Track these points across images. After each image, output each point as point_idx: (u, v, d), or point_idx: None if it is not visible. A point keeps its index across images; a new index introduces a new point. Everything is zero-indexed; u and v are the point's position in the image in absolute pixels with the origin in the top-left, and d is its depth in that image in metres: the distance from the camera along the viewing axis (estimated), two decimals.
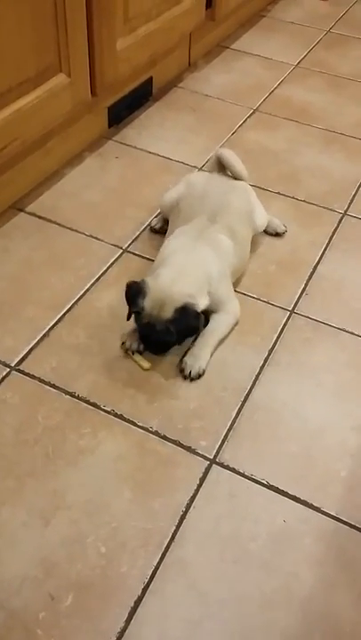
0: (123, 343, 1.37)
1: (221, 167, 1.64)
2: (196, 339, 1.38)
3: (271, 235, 1.68)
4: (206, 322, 1.39)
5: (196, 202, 1.51)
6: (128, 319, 1.34)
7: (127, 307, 1.32)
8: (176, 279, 1.31)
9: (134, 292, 1.30)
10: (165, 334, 1.29)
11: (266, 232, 1.67)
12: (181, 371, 1.34)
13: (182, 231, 1.45)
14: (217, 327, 1.40)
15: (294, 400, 1.32)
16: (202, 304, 1.32)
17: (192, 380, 1.33)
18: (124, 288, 1.33)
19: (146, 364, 1.35)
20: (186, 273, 1.33)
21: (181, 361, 1.35)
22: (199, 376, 1.33)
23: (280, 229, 1.68)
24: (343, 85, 2.37)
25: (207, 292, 1.35)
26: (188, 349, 1.37)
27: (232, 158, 1.63)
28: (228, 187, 1.56)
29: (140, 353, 1.36)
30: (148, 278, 1.32)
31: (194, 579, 1.05)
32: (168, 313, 1.27)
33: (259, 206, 1.62)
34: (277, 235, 1.68)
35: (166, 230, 1.57)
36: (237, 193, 1.55)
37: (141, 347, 1.36)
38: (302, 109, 2.22)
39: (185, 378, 1.33)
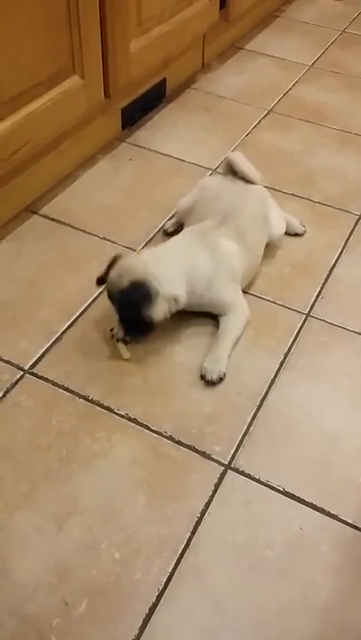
0: (111, 329, 1.38)
1: (233, 171, 1.61)
2: (213, 344, 1.38)
3: (290, 235, 1.66)
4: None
5: (208, 204, 1.50)
6: (97, 283, 1.39)
7: None
8: (152, 261, 1.33)
9: (112, 262, 1.35)
10: (122, 306, 1.31)
11: (286, 233, 1.65)
12: (202, 377, 1.33)
13: (187, 231, 1.46)
14: (229, 328, 1.40)
15: (310, 404, 1.30)
16: (168, 291, 1.30)
17: (214, 384, 1.32)
18: None
19: (126, 354, 1.35)
20: (165, 260, 1.34)
21: (202, 367, 1.34)
22: (220, 379, 1.32)
23: (299, 230, 1.67)
24: (358, 85, 2.35)
25: (186, 287, 1.34)
26: (207, 355, 1.36)
27: (241, 162, 1.58)
28: (243, 190, 1.54)
29: (126, 343, 1.37)
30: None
31: (209, 586, 1.03)
32: (124, 283, 1.29)
33: (276, 211, 1.60)
34: (296, 235, 1.67)
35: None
36: (252, 197, 1.53)
37: (128, 337, 1.37)
38: (317, 110, 2.20)
39: (207, 383, 1.32)
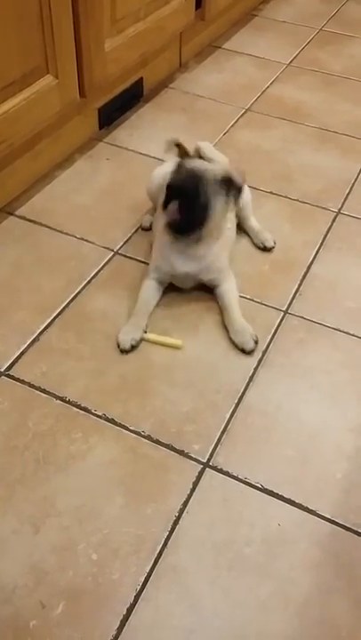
0: (118, 344, 1.37)
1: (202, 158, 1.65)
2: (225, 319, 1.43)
3: (259, 248, 1.63)
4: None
5: None
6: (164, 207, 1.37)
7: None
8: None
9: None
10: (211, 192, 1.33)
11: (254, 244, 1.64)
12: (242, 350, 1.38)
13: None
14: (232, 298, 1.44)
15: (289, 402, 1.30)
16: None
17: (253, 350, 1.37)
18: (114, 291, 1.32)
19: (179, 342, 1.38)
20: None
21: (235, 343, 1.38)
22: (256, 342, 1.38)
23: (268, 244, 1.63)
24: (336, 83, 2.36)
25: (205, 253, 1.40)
26: (228, 332, 1.40)
27: (209, 149, 1.64)
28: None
29: (134, 347, 1.36)
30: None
31: (187, 585, 1.03)
32: (218, 171, 1.36)
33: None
34: (265, 249, 1.63)
35: None
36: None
37: (140, 336, 1.37)
38: (295, 108, 2.21)
39: (248, 352, 1.37)
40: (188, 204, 1.33)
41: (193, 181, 1.33)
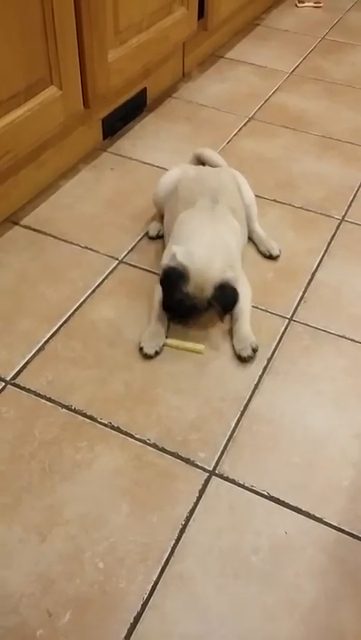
0: (141, 349, 1.38)
1: (202, 163, 1.72)
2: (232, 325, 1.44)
3: (265, 256, 1.64)
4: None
5: (193, 185, 1.54)
6: (165, 307, 1.40)
7: (164, 297, 1.39)
8: (210, 257, 1.35)
9: (175, 279, 1.34)
10: (206, 309, 1.38)
11: (260, 252, 1.65)
12: (238, 357, 1.38)
13: (193, 214, 1.47)
14: (243, 305, 1.44)
15: (294, 409, 1.30)
16: (231, 276, 1.37)
17: (251, 358, 1.37)
18: (119, 299, 1.31)
19: (200, 346, 1.40)
20: (216, 251, 1.37)
21: (234, 350, 1.39)
22: (255, 351, 1.38)
23: (274, 252, 1.63)
24: (339, 92, 2.37)
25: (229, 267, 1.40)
26: (232, 338, 1.41)
27: (210, 152, 1.71)
28: (217, 171, 1.63)
29: (158, 353, 1.37)
30: (182, 259, 1.34)
31: (194, 594, 1.03)
32: (208, 292, 1.34)
33: (244, 181, 1.65)
34: (271, 257, 1.63)
35: (162, 236, 1.59)
36: (226, 175, 1.62)
37: (163, 341, 1.39)
38: (298, 117, 2.22)
39: (245, 360, 1.37)
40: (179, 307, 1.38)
41: (184, 301, 1.36)
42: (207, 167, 1.67)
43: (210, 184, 1.53)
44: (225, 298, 1.35)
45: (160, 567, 1.05)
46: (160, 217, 1.67)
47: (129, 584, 1.03)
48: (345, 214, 1.79)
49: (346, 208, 1.81)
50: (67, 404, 1.28)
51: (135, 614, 1.00)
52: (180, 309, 1.39)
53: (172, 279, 1.34)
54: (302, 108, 2.26)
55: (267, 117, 2.21)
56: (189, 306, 1.37)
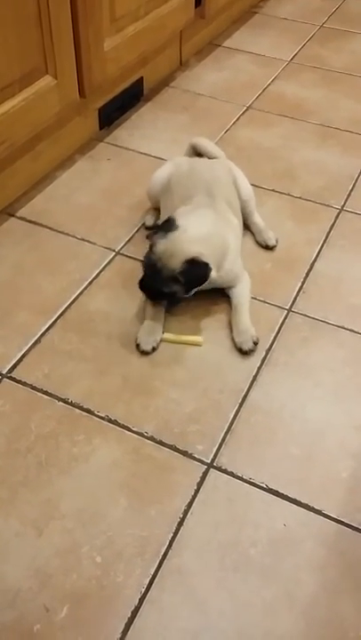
0: (138, 345, 1.36)
1: (197, 153, 1.68)
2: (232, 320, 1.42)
3: (261, 246, 1.62)
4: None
5: (187, 180, 1.52)
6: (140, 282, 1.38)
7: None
8: (196, 234, 1.33)
9: (159, 229, 1.35)
10: (169, 284, 1.32)
11: (257, 242, 1.63)
12: (239, 350, 1.36)
13: (191, 210, 1.43)
14: (243, 298, 1.44)
15: (293, 401, 1.29)
16: (214, 272, 1.34)
17: (252, 351, 1.36)
18: (116, 291, 1.32)
19: (199, 338, 1.38)
20: (208, 239, 1.35)
21: (235, 343, 1.37)
22: (255, 344, 1.36)
23: (270, 242, 1.61)
24: (337, 80, 2.34)
25: (220, 266, 1.37)
26: (232, 332, 1.39)
27: (205, 142, 1.68)
28: (211, 163, 1.60)
29: (155, 349, 1.35)
30: (174, 219, 1.34)
31: (192, 587, 1.02)
32: (177, 264, 1.30)
33: (240, 175, 1.62)
34: (267, 248, 1.62)
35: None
36: (221, 168, 1.59)
37: (160, 337, 1.37)
38: (297, 105, 2.19)
39: (245, 353, 1.36)
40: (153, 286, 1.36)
41: (152, 273, 1.34)
42: (201, 159, 1.63)
43: (203, 177, 1.51)
44: (191, 273, 1.30)
45: (158, 561, 1.05)
46: (155, 210, 1.65)
47: (126, 578, 1.02)
48: (344, 204, 1.77)
49: (345, 197, 1.80)
50: (63, 397, 1.27)
51: (133, 608, 0.99)
52: (150, 279, 1.35)
53: (158, 228, 1.35)
54: (301, 97, 2.24)
55: (265, 106, 2.18)
56: (156, 274, 1.32)
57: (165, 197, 1.55)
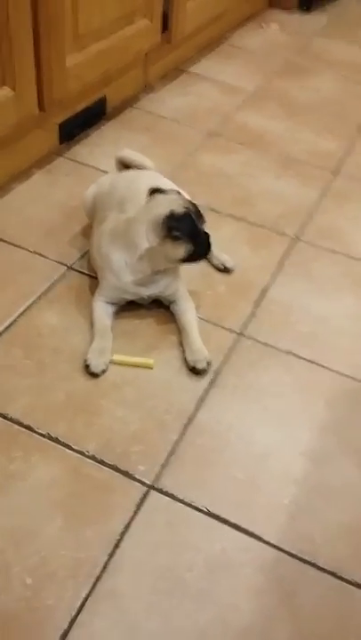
0: (87, 367, 1.32)
1: (126, 166, 1.66)
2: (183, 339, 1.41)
3: (219, 269, 1.62)
4: None
5: (106, 198, 1.52)
6: None
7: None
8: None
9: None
10: None
11: (213, 265, 1.63)
12: (193, 369, 1.35)
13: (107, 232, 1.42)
14: (191, 317, 1.44)
15: (239, 424, 1.28)
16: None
17: (205, 371, 1.35)
18: (66, 306, 1.30)
19: (150, 361, 1.36)
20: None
21: (187, 362, 1.36)
22: (209, 364, 1.36)
23: (229, 264, 1.62)
24: (299, 113, 2.38)
25: None
26: (184, 352, 1.38)
27: (131, 154, 1.66)
28: (135, 175, 1.57)
29: (104, 371, 1.32)
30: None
31: (124, 611, 0.99)
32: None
33: (167, 183, 1.56)
34: (225, 270, 1.62)
35: None
36: (145, 178, 1.54)
37: (109, 358, 1.34)
38: (258, 135, 2.22)
39: (199, 372, 1.35)
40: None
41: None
42: (127, 173, 1.60)
43: (119, 194, 1.49)
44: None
45: (91, 583, 1.01)
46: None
47: (57, 601, 0.99)
48: (299, 233, 1.79)
49: (300, 227, 1.81)
50: (3, 412, 1.23)
51: (62, 632, 0.96)
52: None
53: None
54: (263, 127, 2.26)
55: (227, 134, 2.20)
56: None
57: (95, 214, 1.56)
